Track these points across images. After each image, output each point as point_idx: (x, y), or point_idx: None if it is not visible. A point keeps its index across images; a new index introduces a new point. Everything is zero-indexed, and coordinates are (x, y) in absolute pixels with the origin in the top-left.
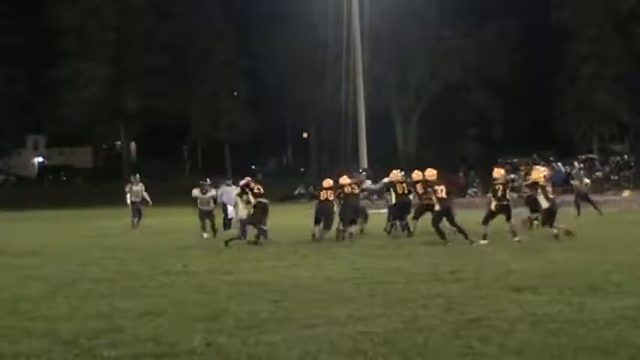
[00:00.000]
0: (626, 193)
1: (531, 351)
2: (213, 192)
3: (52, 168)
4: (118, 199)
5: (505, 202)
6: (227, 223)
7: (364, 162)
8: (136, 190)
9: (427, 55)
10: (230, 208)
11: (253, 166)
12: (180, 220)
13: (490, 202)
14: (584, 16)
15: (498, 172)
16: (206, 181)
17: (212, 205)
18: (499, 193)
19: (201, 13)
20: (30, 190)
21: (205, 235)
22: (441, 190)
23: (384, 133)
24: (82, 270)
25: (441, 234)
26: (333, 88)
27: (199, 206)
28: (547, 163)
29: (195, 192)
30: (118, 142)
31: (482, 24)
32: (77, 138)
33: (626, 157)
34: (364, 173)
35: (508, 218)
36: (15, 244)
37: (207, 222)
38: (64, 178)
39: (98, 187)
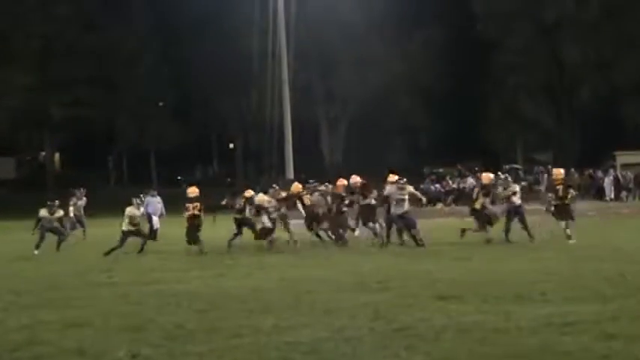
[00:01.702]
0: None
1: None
2: (60, 213)
3: None
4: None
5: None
6: (153, 233)
7: (291, 171)
8: (79, 205)
9: (353, 63)
10: (155, 219)
11: (179, 177)
12: (104, 232)
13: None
14: (508, 27)
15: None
16: (54, 202)
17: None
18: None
19: (127, 21)
20: None
21: (36, 252)
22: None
23: (310, 143)
24: (4, 282)
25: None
26: (258, 98)
27: (44, 224)
28: (472, 173)
29: (43, 212)
30: (43, 153)
31: (408, 33)
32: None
33: (549, 166)
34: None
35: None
36: None
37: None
38: None
39: (22, 199)
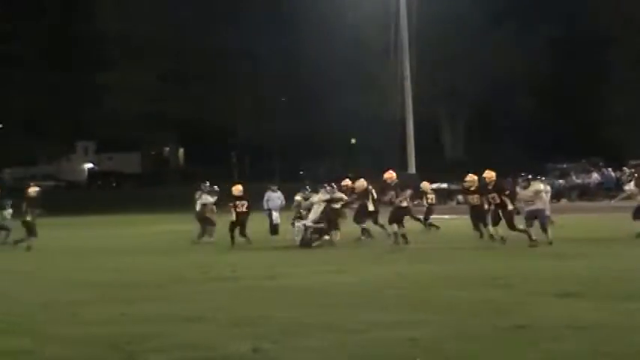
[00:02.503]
0: None
1: (579, 358)
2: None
3: (101, 174)
4: (165, 205)
5: None
6: (274, 228)
7: (412, 167)
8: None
9: (473, 59)
10: (275, 214)
11: (301, 172)
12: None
13: None
14: (626, 21)
15: None
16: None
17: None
18: None
19: (246, 20)
20: (79, 196)
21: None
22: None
23: (430, 139)
24: (130, 275)
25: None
26: (379, 93)
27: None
28: (597, 169)
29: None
30: (167, 148)
31: (528, 30)
32: (126, 144)
33: None
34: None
35: None
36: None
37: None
38: (114, 184)
39: (146, 193)
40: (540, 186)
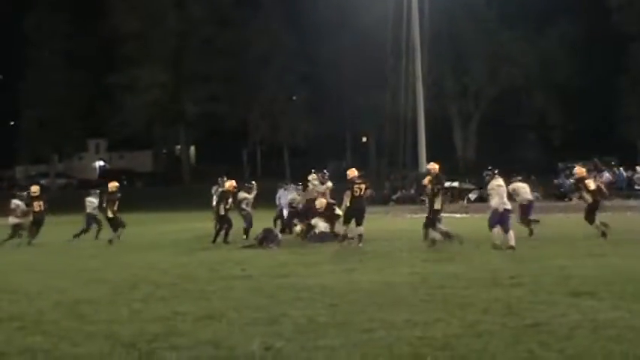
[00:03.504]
0: None
1: (592, 358)
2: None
3: (113, 172)
4: (177, 203)
5: None
6: (284, 225)
7: (423, 165)
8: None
9: (486, 58)
10: (286, 211)
11: (313, 170)
12: (239, 226)
13: None
14: None
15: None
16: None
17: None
18: None
19: (260, 19)
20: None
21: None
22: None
23: (443, 138)
24: (143, 273)
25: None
26: (392, 93)
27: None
28: (609, 168)
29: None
30: (178, 147)
31: (541, 27)
32: (138, 142)
33: None
34: None
35: None
36: (78, 248)
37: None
38: (125, 182)
39: (158, 191)
40: (500, 182)
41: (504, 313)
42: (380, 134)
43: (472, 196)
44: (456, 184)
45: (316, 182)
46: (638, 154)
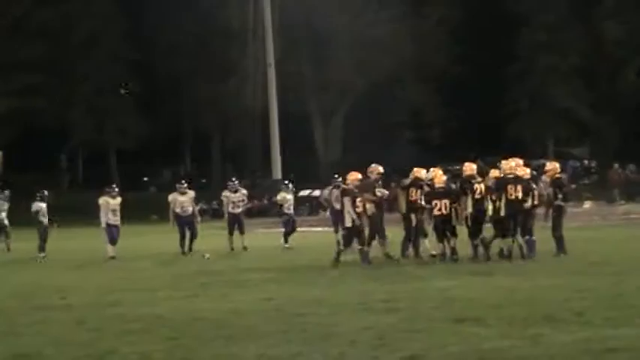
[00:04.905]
0: (586, 205)
1: None
2: None
3: None
4: None
5: None
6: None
7: (278, 171)
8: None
9: (351, 44)
10: None
11: (146, 178)
12: (53, 245)
13: None
14: (538, 1)
15: None
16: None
17: None
18: None
19: None
20: None
21: None
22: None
23: (300, 137)
24: None
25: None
26: (238, 84)
27: None
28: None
29: None
30: None
31: (417, 10)
32: None
33: (586, 162)
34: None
35: None
36: None
37: None
38: None
39: None
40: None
41: (375, 344)
42: (225, 135)
43: None
44: (317, 192)
45: (228, 193)
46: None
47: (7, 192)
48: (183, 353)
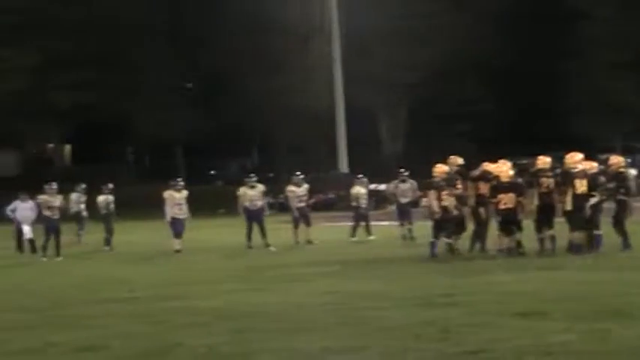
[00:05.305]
0: None
1: None
2: None
3: None
4: None
5: None
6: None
7: (344, 164)
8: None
9: (407, 38)
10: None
11: (212, 172)
12: (118, 238)
13: None
14: None
15: None
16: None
17: None
18: None
19: None
20: None
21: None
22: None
23: (364, 131)
24: (5, 297)
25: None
26: (303, 79)
27: None
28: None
29: None
30: (51, 145)
31: (466, 2)
32: None
33: None
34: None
35: None
36: None
37: None
38: None
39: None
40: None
41: (438, 337)
42: (290, 128)
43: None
44: (383, 186)
45: (293, 188)
46: (592, 148)
47: (83, 185)
48: (249, 346)
